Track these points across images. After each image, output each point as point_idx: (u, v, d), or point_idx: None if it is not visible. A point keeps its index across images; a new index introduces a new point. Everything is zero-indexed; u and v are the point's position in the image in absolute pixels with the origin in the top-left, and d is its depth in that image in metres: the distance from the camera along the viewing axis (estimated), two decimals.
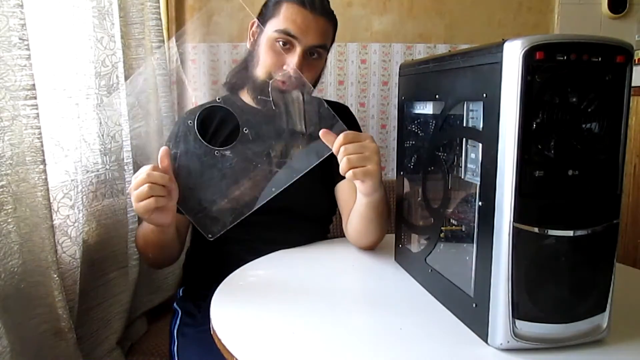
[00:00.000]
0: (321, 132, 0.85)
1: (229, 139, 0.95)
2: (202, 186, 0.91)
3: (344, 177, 0.94)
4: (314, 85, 1.05)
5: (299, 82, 0.95)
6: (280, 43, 0.99)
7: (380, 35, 1.81)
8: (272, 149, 0.92)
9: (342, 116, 0.89)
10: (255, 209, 0.90)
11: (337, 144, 0.83)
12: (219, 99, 0.96)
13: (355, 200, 0.96)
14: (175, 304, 1.14)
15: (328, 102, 0.92)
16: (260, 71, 1.01)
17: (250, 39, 1.08)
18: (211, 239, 0.90)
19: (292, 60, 0.98)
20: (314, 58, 1.02)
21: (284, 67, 0.98)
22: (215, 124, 1.04)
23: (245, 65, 1.08)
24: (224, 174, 0.92)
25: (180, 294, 1.17)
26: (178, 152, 0.91)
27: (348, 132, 0.84)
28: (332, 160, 0.89)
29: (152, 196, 0.83)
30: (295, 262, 0.95)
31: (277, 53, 0.99)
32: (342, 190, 1.09)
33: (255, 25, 1.06)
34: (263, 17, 1.04)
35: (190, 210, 0.91)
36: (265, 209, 0.90)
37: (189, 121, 0.93)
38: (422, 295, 0.78)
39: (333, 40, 1.08)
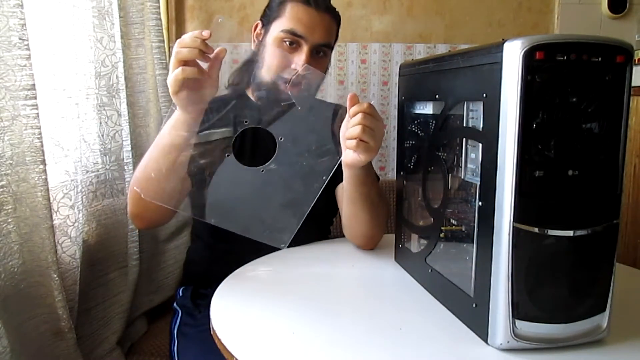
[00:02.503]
0: (350, 95, 0.84)
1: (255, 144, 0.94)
2: (260, 207, 0.89)
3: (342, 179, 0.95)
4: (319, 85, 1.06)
5: (311, 77, 0.95)
6: (287, 43, 1.00)
7: (380, 35, 1.81)
8: (311, 144, 0.92)
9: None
10: (313, 203, 0.87)
11: (358, 107, 0.82)
12: (245, 121, 0.93)
13: None
14: (175, 304, 1.14)
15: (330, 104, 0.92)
16: (267, 72, 1.01)
17: (254, 40, 1.08)
18: (284, 247, 0.88)
19: (300, 59, 0.98)
20: (320, 56, 1.03)
21: (292, 66, 0.98)
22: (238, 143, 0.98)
23: (248, 68, 1.08)
24: (276, 186, 0.90)
25: (180, 293, 1.17)
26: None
27: (372, 105, 0.83)
28: None
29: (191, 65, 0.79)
30: (295, 262, 0.95)
31: (284, 53, 1.00)
32: (342, 191, 1.09)
33: (260, 26, 1.07)
34: (267, 17, 1.05)
35: (256, 234, 0.87)
36: None
37: (227, 154, 0.90)
38: (422, 295, 0.78)
39: (337, 38, 1.09)
